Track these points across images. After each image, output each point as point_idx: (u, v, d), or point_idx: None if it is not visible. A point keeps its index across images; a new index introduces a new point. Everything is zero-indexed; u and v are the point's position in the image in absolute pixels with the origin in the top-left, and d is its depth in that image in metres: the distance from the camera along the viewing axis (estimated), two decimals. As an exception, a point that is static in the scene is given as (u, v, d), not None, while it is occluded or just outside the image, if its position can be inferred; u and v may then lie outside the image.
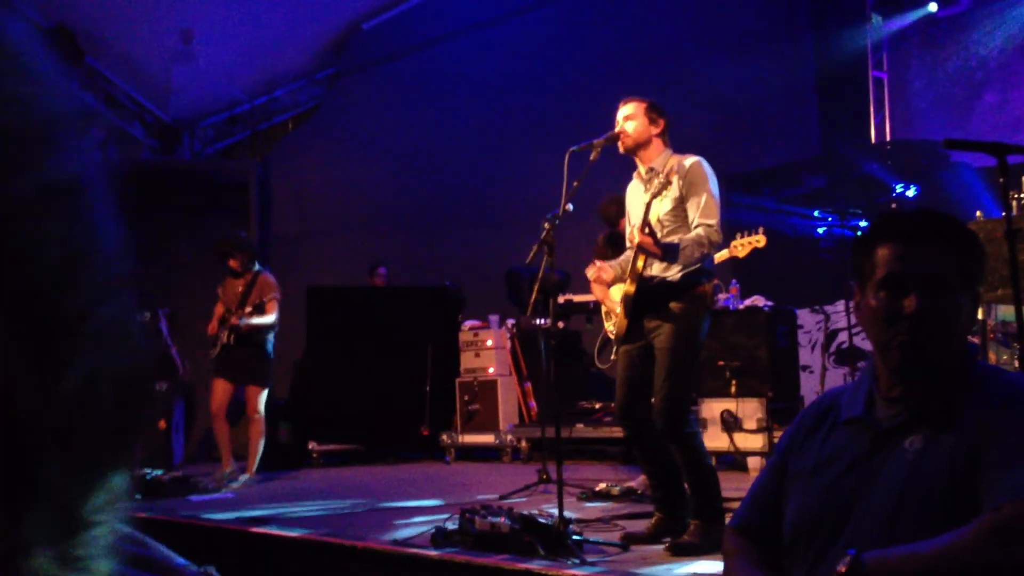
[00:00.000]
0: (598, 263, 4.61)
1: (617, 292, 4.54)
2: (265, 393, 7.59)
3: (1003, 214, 3.45)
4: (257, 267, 7.69)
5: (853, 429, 1.92)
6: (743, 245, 5.80)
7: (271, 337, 7.60)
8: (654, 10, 10.42)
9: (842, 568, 1.64)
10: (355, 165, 11.65)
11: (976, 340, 5.25)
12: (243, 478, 7.42)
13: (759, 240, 5.73)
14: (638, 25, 10.36)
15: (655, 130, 4.54)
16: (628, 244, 4.56)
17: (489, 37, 11.02)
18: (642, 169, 4.59)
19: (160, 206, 10.81)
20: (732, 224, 8.06)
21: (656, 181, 4.40)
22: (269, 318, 7.52)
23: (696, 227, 4.33)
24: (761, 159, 9.88)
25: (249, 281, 7.59)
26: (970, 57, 9.43)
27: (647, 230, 4.28)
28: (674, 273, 4.34)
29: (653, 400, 4.32)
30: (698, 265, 4.34)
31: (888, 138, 9.68)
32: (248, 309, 7.43)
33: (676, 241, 4.30)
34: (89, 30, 10.53)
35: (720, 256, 5.47)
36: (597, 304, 8.20)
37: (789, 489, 1.98)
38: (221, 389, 7.58)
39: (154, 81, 11.54)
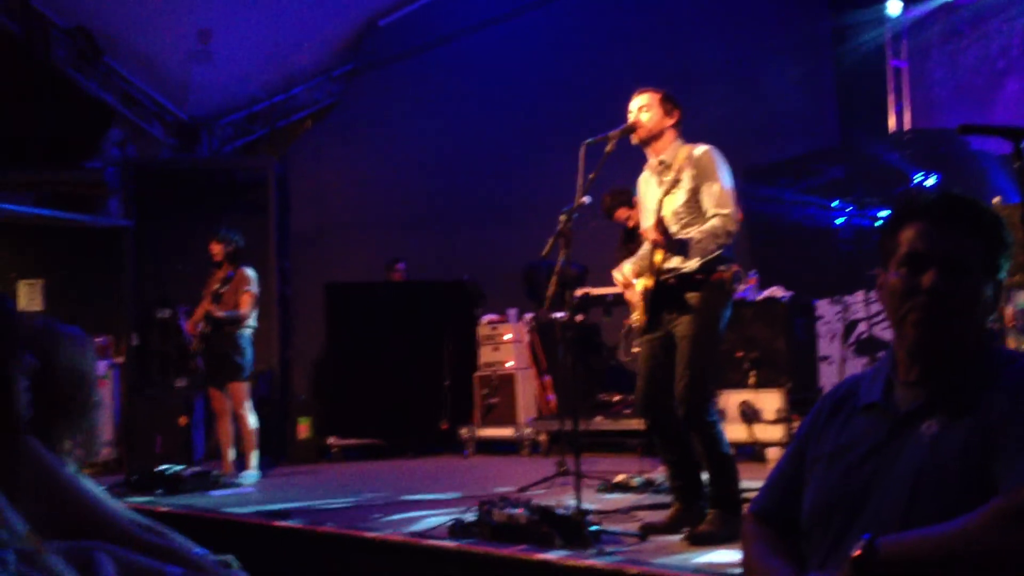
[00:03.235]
0: (622, 269, 4.60)
1: (640, 284, 4.54)
2: (247, 386, 7.56)
3: (1020, 200, 3.42)
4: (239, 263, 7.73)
5: (871, 415, 1.91)
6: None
7: (247, 332, 7.60)
8: (670, 2, 10.38)
9: (856, 552, 1.64)
10: (373, 161, 11.67)
11: (995, 327, 5.22)
12: (246, 476, 7.33)
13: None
14: (655, 17, 10.32)
15: (669, 121, 4.52)
16: (644, 238, 4.55)
17: (505, 32, 11.01)
18: (653, 160, 4.57)
19: (180, 204, 10.88)
20: (752, 215, 8.06)
21: (668, 176, 4.39)
22: (245, 312, 7.54)
23: (711, 217, 4.32)
24: (780, 150, 9.82)
25: (226, 273, 7.68)
26: (991, 45, 9.33)
27: (660, 228, 4.28)
28: (692, 264, 4.33)
29: (674, 389, 4.31)
30: (717, 253, 4.32)
31: (907, 127, 9.61)
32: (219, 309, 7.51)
33: (691, 236, 4.29)
34: (107, 30, 10.59)
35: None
36: (616, 297, 8.21)
37: (808, 475, 1.97)
38: (216, 395, 7.64)
39: (172, 80, 11.59)
